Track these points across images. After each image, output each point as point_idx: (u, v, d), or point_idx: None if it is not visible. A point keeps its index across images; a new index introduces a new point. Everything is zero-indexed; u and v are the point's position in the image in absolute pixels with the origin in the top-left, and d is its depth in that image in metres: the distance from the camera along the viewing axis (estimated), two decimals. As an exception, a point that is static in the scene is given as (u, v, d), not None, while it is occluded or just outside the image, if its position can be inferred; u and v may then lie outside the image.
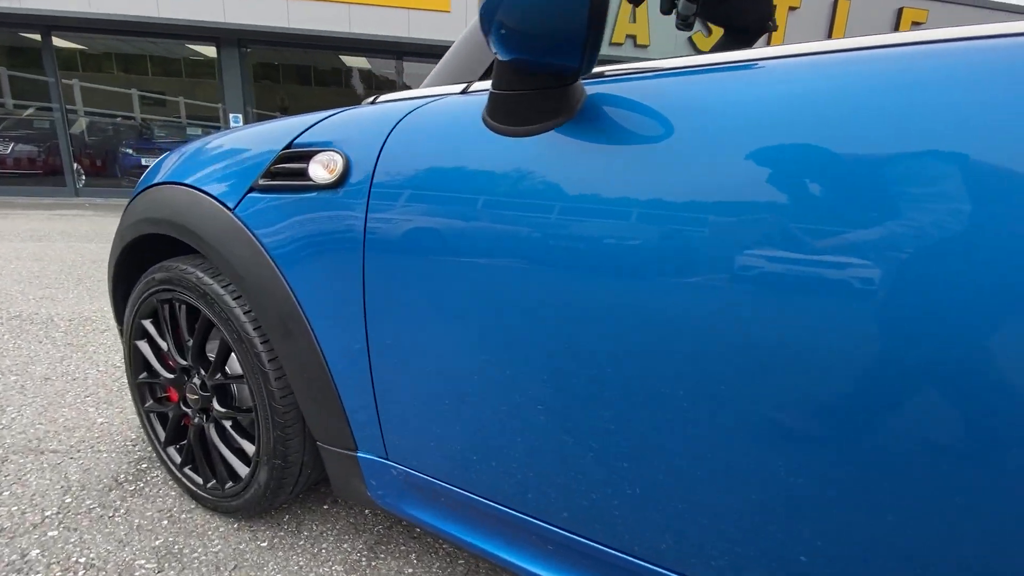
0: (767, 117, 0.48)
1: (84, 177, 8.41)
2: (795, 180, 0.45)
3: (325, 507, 1.14)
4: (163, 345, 1.08)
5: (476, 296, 0.63)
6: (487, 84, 0.72)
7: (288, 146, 0.81)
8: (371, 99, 0.88)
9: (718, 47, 1.10)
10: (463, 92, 0.74)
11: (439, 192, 0.65)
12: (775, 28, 1.34)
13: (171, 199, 0.97)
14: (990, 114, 0.39)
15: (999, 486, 0.39)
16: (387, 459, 0.82)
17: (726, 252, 0.47)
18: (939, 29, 0.45)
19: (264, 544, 1.01)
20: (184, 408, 1.08)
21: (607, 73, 0.62)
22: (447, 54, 0.81)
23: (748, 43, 1.12)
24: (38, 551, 0.96)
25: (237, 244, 0.84)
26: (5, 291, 2.70)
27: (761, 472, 0.49)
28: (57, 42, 7.86)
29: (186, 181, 0.95)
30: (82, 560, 0.94)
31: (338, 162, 0.74)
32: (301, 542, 1.02)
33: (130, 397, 1.59)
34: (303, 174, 0.77)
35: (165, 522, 1.05)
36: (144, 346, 1.12)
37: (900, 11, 8.49)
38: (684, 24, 1.01)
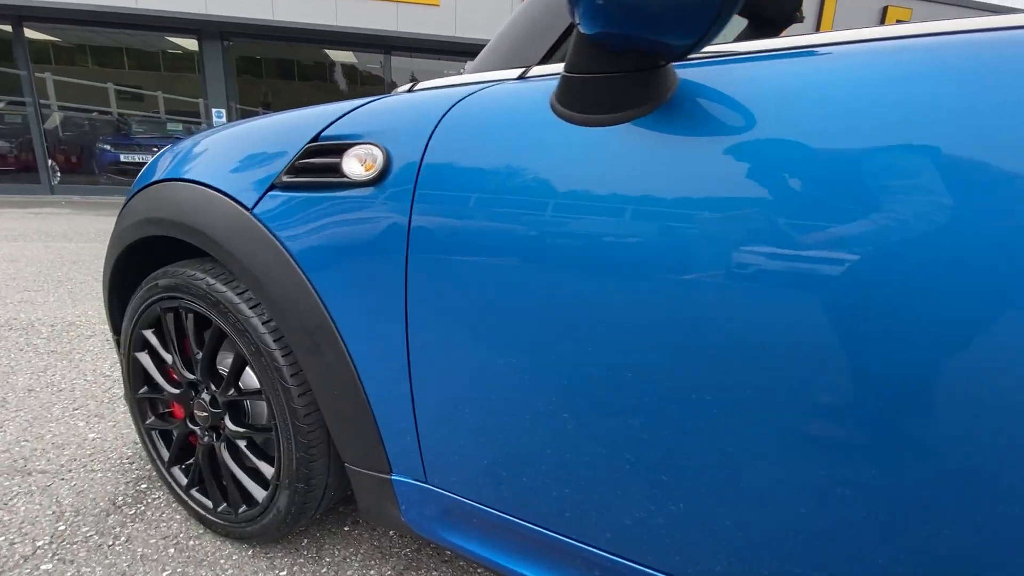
0: (902, 108, 0.41)
1: (59, 174, 8.12)
2: (935, 178, 0.39)
3: (346, 528, 1.06)
4: (167, 357, 0.99)
5: (545, 311, 0.55)
6: (550, 68, 0.65)
7: (315, 138, 0.73)
8: (407, 86, 0.80)
9: (741, 38, 1.06)
10: (520, 78, 0.66)
11: (499, 192, 0.57)
12: (802, 20, 1.30)
13: (176, 197, 0.88)
14: None
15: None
16: (426, 482, 0.75)
17: (867, 266, 0.41)
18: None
19: (283, 573, 0.93)
20: (191, 426, 0.99)
21: (689, 56, 0.55)
22: (496, 36, 0.73)
23: (773, 35, 1.07)
24: (31, 588, 0.87)
25: (257, 247, 0.76)
26: (-20, 295, 2.55)
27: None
28: (29, 34, 7.57)
29: (193, 177, 0.86)
30: (82, 597, 0.85)
31: (377, 156, 0.66)
32: (323, 569, 0.94)
33: (123, 409, 1.48)
34: (335, 169, 0.69)
35: (172, 550, 0.97)
36: (145, 358, 1.03)
37: (885, 9, 8.62)
38: None
